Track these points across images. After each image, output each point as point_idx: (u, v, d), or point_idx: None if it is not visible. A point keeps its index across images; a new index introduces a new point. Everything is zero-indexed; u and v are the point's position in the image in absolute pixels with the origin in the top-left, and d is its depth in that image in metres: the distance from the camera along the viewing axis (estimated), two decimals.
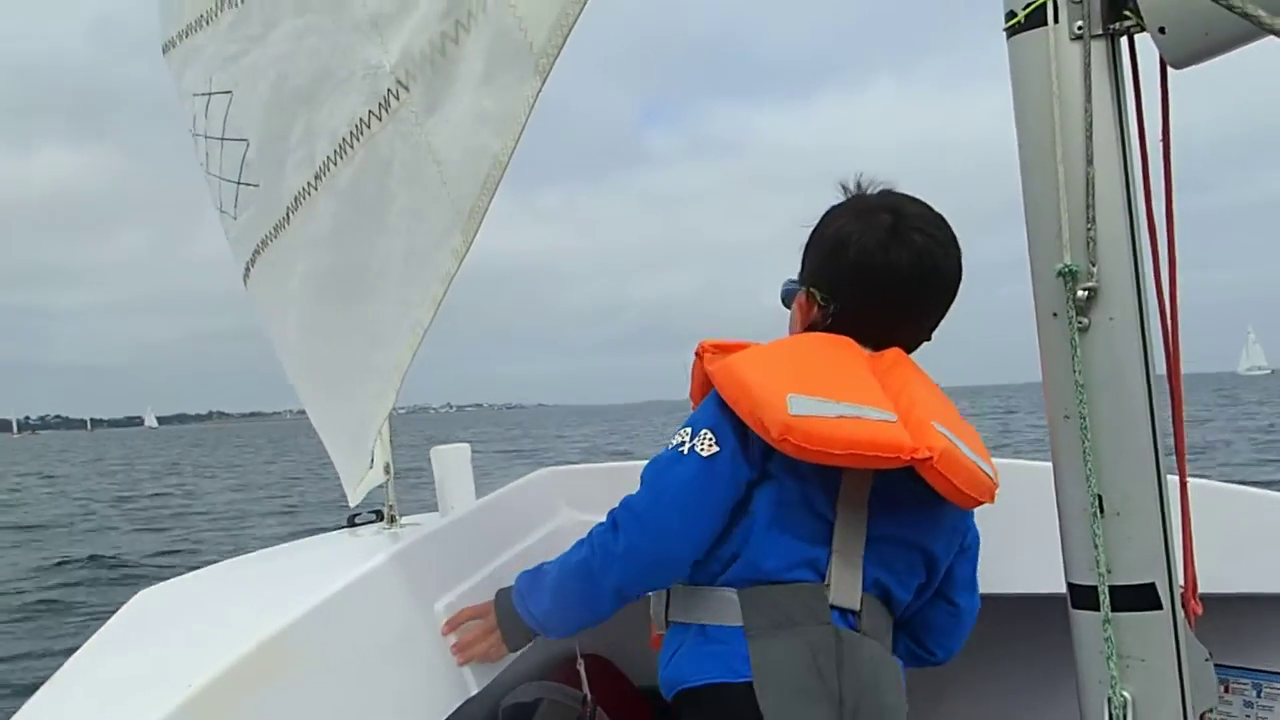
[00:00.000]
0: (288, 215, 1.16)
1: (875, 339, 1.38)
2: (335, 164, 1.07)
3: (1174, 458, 1.04)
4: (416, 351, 1.14)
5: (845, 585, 1.29)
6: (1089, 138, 0.94)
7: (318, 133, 1.08)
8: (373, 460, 2.13)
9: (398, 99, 0.99)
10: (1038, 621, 1.49)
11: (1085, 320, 0.96)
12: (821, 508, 1.29)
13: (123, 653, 1.49)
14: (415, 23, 0.96)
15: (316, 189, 1.10)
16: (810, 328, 1.41)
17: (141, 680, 1.28)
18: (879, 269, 1.34)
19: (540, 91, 0.91)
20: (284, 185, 1.14)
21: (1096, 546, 0.97)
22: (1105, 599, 0.97)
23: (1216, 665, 1.82)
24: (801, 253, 1.45)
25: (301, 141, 1.10)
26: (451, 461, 2.12)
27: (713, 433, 1.29)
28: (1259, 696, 1.79)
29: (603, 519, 1.63)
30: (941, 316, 1.42)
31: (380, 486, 2.08)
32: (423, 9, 0.95)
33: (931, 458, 1.19)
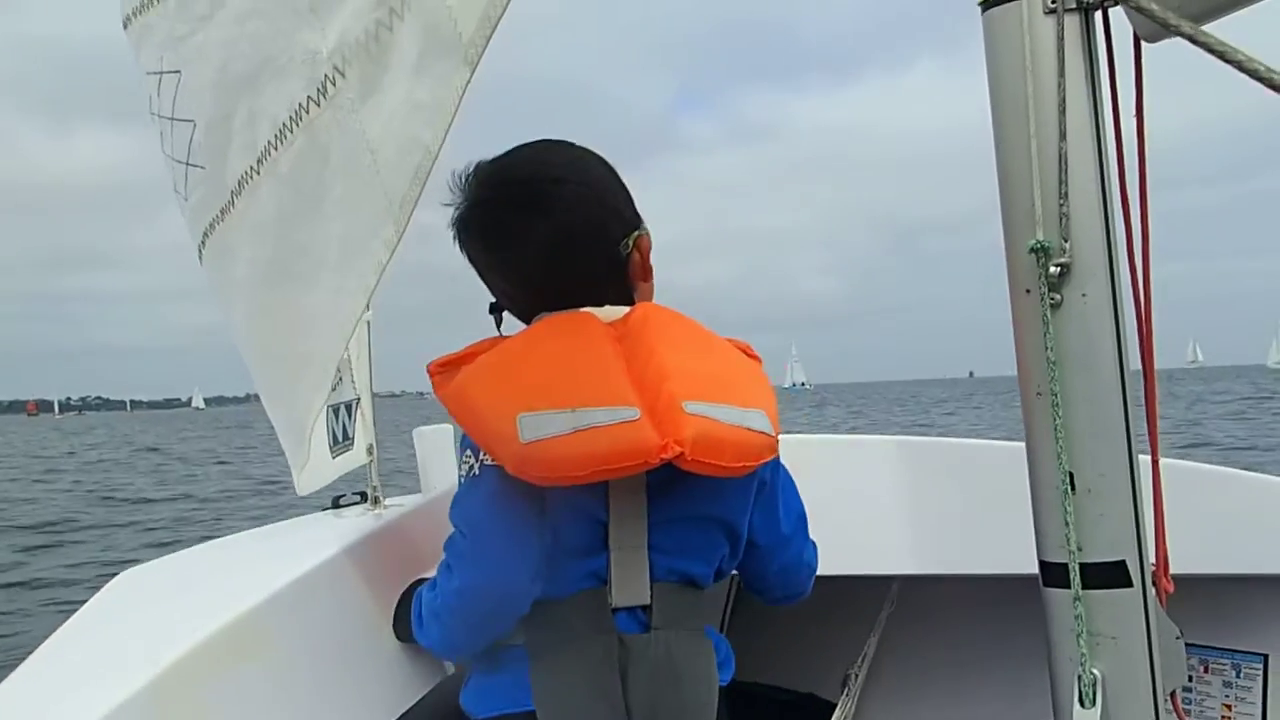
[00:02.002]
0: (232, 199, 1.15)
1: (586, 290, 1.25)
2: (276, 149, 1.06)
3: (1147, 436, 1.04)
4: (348, 342, 1.14)
5: (629, 584, 1.21)
6: (1062, 113, 0.94)
7: (260, 117, 1.07)
8: (354, 442, 2.14)
9: (334, 85, 0.98)
10: (1014, 602, 1.50)
11: (1058, 297, 0.95)
12: (595, 511, 1.20)
13: (98, 634, 1.49)
14: (351, 8, 0.96)
15: (259, 173, 1.09)
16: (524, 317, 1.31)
17: (111, 661, 1.28)
18: (485, 252, 1.29)
19: (469, 82, 0.89)
20: (228, 169, 1.14)
21: (1067, 524, 0.96)
22: (1076, 576, 0.97)
23: (1197, 646, 1.84)
24: None
25: (245, 125, 1.09)
26: (433, 443, 2.13)
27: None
28: (1238, 677, 1.80)
29: None
30: (609, 244, 1.27)
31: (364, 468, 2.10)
32: None
33: (683, 453, 1.08)
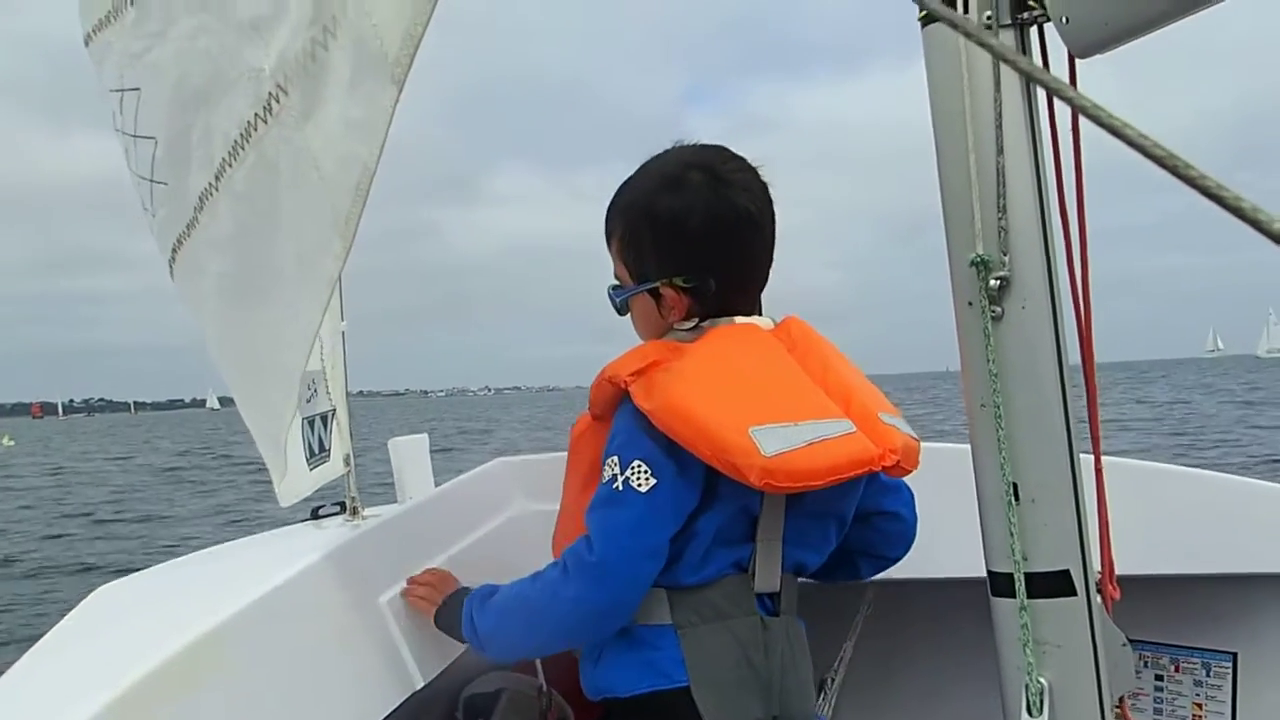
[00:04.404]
0: (195, 215, 1.17)
1: (751, 300, 1.36)
2: (230, 165, 1.09)
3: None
4: (309, 354, 1.15)
5: (767, 573, 1.30)
6: (999, 128, 0.95)
7: (214, 133, 1.10)
8: (330, 453, 2.15)
9: (279, 102, 1.01)
10: (966, 605, 1.51)
11: (998, 309, 0.97)
12: (752, 506, 1.28)
13: (71, 651, 1.50)
14: (288, 27, 0.98)
15: (217, 189, 1.12)
16: (691, 317, 1.34)
17: (81, 681, 1.29)
18: (732, 221, 1.29)
19: (398, 101, 0.91)
20: (189, 185, 1.16)
21: (1012, 534, 0.98)
22: (1021, 586, 0.98)
23: (1167, 645, 1.85)
24: (622, 253, 1.37)
25: (201, 141, 1.12)
26: (408, 453, 2.14)
27: (646, 464, 1.22)
28: (1208, 675, 1.80)
29: (557, 507, 1.63)
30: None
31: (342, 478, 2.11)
32: (293, 14, 0.96)
33: (899, 461, 1.22)
